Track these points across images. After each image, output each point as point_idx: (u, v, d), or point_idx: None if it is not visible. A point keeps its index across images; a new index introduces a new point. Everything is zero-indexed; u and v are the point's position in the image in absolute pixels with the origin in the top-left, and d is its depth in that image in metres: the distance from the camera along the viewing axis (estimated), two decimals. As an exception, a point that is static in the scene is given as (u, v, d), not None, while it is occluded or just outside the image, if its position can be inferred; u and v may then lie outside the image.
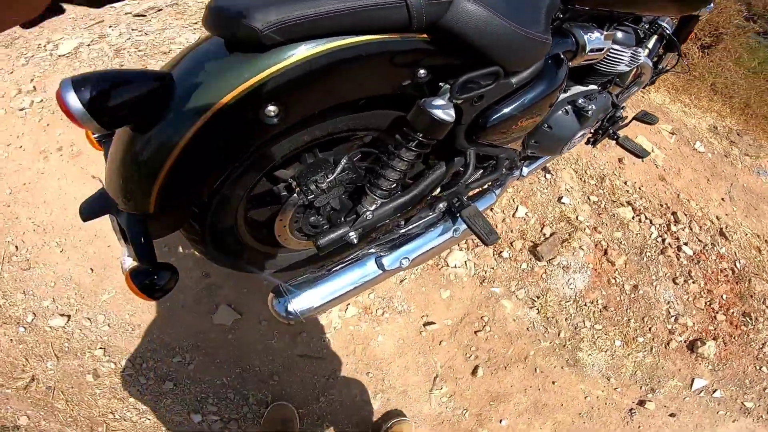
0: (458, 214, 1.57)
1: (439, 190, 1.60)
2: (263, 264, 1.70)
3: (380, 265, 1.48)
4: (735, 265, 3.23)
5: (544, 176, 3.02)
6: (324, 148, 1.37)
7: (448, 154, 1.49)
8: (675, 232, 3.19)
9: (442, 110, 1.09)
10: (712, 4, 1.77)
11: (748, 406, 2.57)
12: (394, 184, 1.38)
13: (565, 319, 2.50)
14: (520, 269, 2.56)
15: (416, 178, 1.55)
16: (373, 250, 1.52)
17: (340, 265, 1.46)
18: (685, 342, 2.67)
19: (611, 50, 1.52)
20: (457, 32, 1.01)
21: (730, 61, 5.99)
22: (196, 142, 0.89)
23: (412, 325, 2.25)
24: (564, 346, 2.42)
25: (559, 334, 2.44)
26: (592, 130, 2.31)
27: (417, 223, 1.63)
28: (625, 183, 3.39)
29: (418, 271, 2.37)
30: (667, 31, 1.81)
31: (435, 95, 1.13)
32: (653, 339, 2.61)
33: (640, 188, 3.43)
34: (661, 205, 3.39)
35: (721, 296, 2.98)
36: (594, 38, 1.40)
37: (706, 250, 3.22)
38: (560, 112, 1.61)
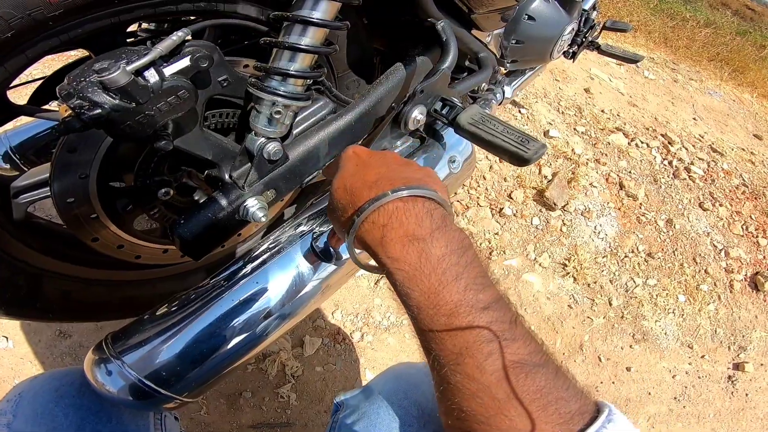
0: (453, 123, 0.77)
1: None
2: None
3: (325, 254, 0.68)
4: (743, 180, 2.75)
5: (519, 112, 2.35)
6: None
7: (412, 38, 0.93)
8: (675, 153, 2.64)
9: None
10: None
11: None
12: (311, 65, 0.65)
13: (611, 281, 1.79)
14: (532, 227, 1.83)
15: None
16: (303, 228, 0.71)
17: (242, 271, 0.64)
18: (745, 280, 2.07)
19: None
20: None
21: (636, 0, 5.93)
22: None
23: (412, 344, 1.43)
24: (622, 317, 1.70)
25: (610, 303, 1.72)
26: (571, 37, 1.74)
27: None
28: (603, 111, 2.81)
29: (399, 260, 1.56)
30: None
31: None
32: (715, 284, 1.98)
33: (618, 115, 2.88)
34: (647, 129, 2.86)
35: (750, 216, 2.45)
36: None
37: (712, 168, 2.71)
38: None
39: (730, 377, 1.71)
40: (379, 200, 0.43)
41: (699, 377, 1.67)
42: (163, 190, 0.73)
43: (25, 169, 0.92)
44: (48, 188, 0.79)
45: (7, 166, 0.93)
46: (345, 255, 0.69)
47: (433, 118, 0.80)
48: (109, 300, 0.89)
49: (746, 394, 1.68)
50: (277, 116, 0.63)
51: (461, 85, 0.91)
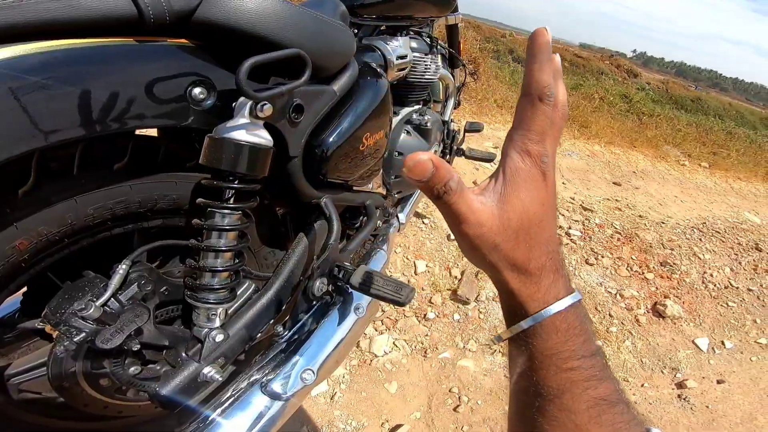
0: (348, 283, 1.04)
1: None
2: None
3: (273, 394, 0.89)
4: (615, 228, 3.27)
5: (423, 223, 2.72)
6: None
7: (302, 219, 1.13)
8: (556, 223, 3.12)
9: (246, 131, 0.74)
10: (458, 11, 1.91)
11: (762, 342, 2.43)
12: (229, 276, 0.90)
13: (532, 347, 2.05)
14: (455, 322, 2.08)
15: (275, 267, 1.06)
16: (255, 377, 0.93)
17: (211, 416, 0.85)
18: (648, 312, 2.44)
19: (414, 58, 1.50)
20: (229, 25, 0.69)
21: (494, 79, 6.97)
22: None
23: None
24: (553, 374, 1.94)
25: (538, 366, 1.96)
26: (439, 152, 2.11)
27: (302, 321, 1.05)
28: (489, 203, 3.30)
29: (346, 377, 1.71)
30: (443, 45, 1.87)
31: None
32: (622, 323, 2.31)
33: (502, 202, 3.37)
34: (528, 208, 3.36)
35: (630, 257, 2.91)
36: (395, 46, 1.38)
37: (587, 226, 3.21)
38: (403, 135, 1.52)
39: (679, 396, 1.95)
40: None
41: (650, 403, 1.89)
42: (133, 369, 0.91)
43: None
44: (40, 370, 0.94)
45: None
46: (289, 392, 0.88)
47: (332, 283, 1.04)
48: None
49: (707, 407, 1.91)
50: (213, 315, 0.85)
51: (352, 244, 1.16)
